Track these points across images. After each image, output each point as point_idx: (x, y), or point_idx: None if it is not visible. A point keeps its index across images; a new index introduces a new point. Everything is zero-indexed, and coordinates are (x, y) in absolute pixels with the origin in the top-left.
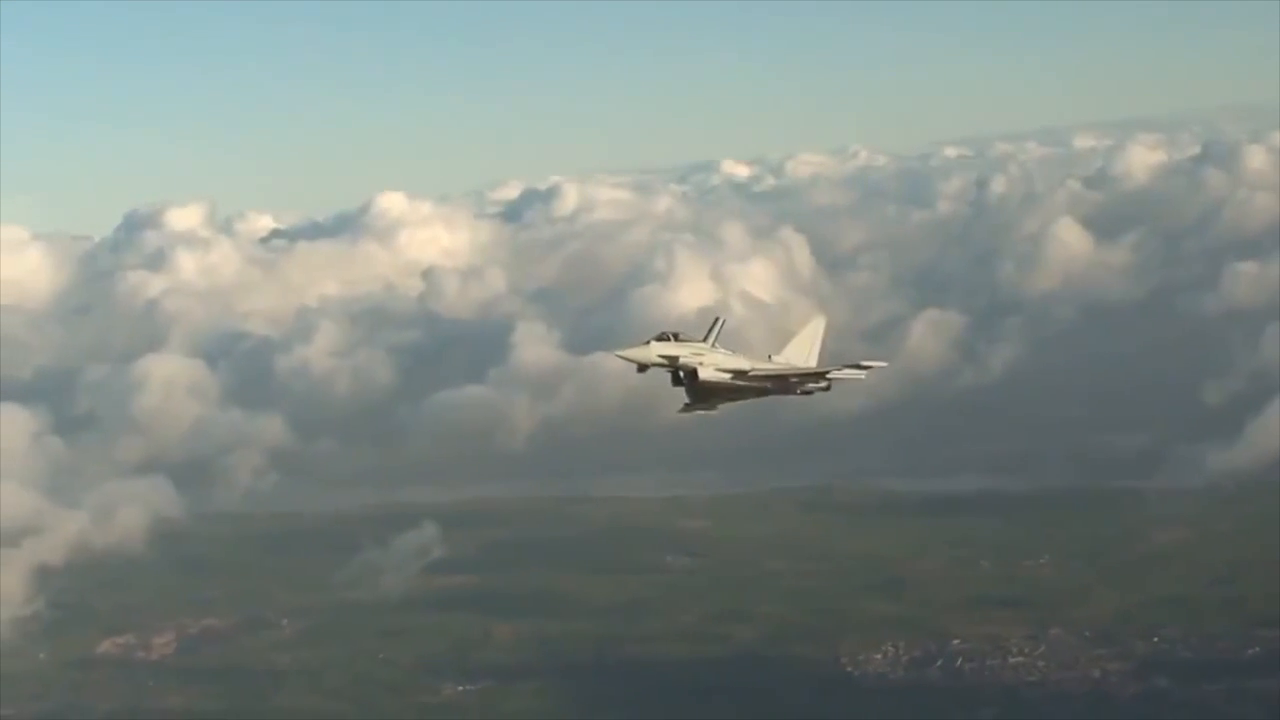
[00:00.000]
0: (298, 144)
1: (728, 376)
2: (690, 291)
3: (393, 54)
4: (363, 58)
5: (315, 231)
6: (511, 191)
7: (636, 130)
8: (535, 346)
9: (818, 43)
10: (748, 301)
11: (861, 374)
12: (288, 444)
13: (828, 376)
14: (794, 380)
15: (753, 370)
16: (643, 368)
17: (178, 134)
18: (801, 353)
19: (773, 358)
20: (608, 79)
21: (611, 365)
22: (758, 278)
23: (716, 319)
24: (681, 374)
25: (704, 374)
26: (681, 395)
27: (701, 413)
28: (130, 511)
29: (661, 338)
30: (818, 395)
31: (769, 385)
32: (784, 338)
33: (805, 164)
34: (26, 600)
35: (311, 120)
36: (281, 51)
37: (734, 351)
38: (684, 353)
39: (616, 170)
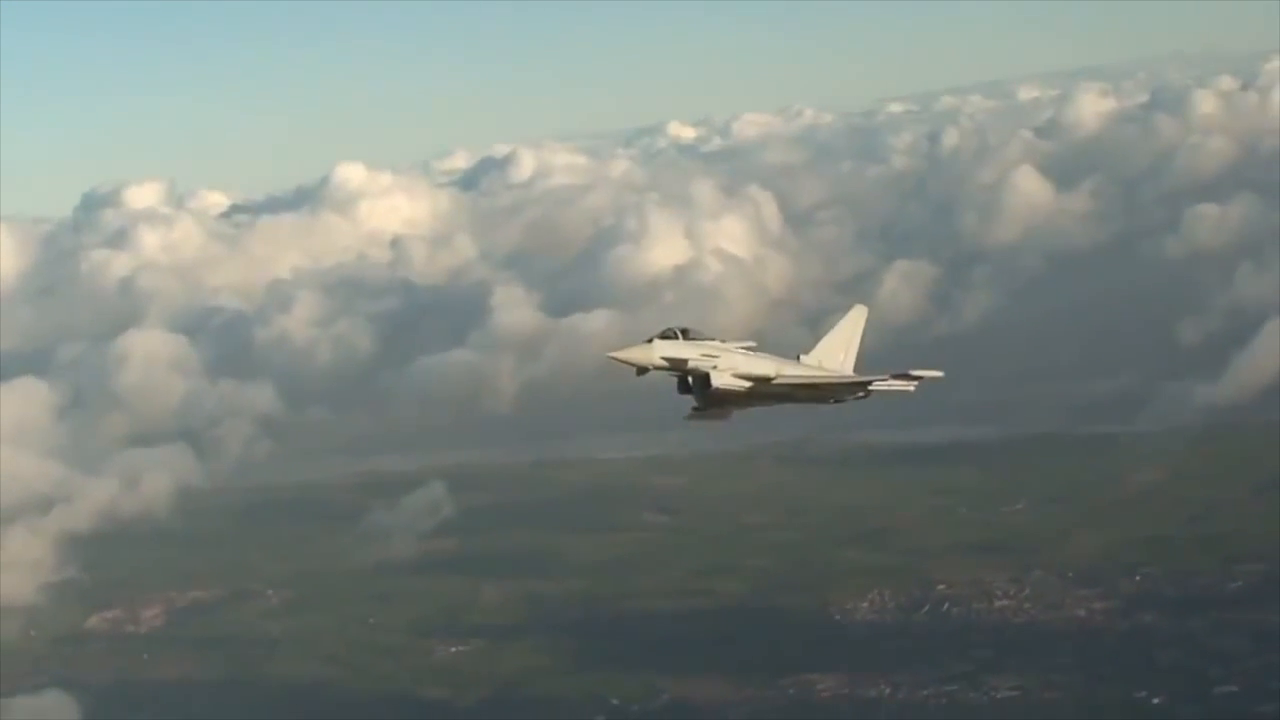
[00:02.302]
0: (236, 122)
1: (747, 384)
2: (664, 250)
3: (322, 28)
4: (289, 32)
5: (275, 205)
6: (458, 161)
7: (578, 96)
8: (514, 310)
9: (755, 2)
10: (723, 258)
11: (910, 386)
12: (273, 415)
13: (870, 387)
14: (828, 388)
15: (778, 377)
16: (642, 370)
17: (118, 116)
18: (837, 350)
19: (802, 358)
20: (546, 47)
21: (588, 327)
22: (730, 235)
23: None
24: (691, 379)
25: (718, 381)
26: (689, 401)
27: (712, 421)
28: (119, 487)
29: (667, 335)
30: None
31: (796, 393)
32: (760, 294)
33: (751, 124)
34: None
35: (250, 98)
36: (211, 32)
37: (752, 352)
38: (694, 354)
39: (562, 136)
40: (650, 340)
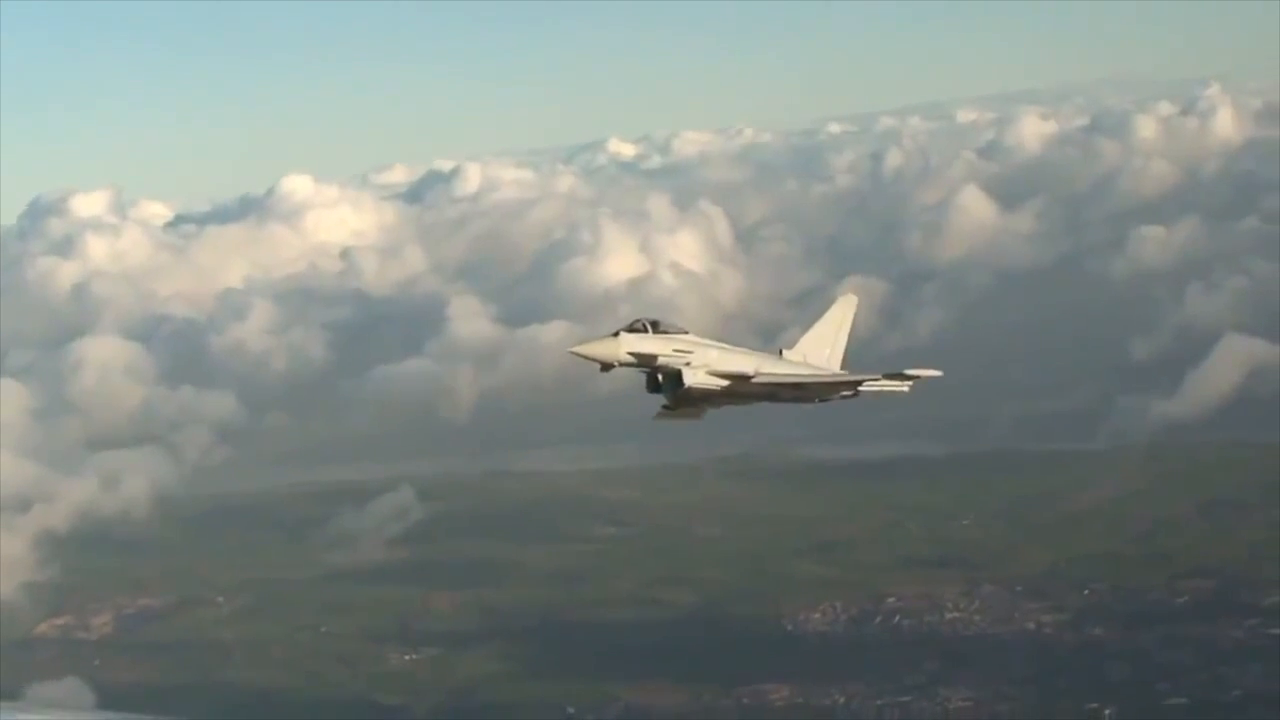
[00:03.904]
0: (169, 133)
1: (723, 383)
2: (617, 263)
3: (248, 42)
4: (225, 46)
5: (220, 216)
6: (397, 175)
7: (515, 112)
8: (470, 321)
9: (694, 21)
10: (677, 272)
11: (904, 386)
12: (228, 423)
13: (860, 388)
14: (813, 388)
15: (758, 374)
16: (607, 367)
17: (53, 124)
18: (822, 344)
19: (785, 353)
20: (483, 64)
21: (545, 338)
22: (683, 249)
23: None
24: (661, 377)
25: (691, 379)
26: (656, 401)
27: (684, 420)
28: (74, 493)
29: (635, 328)
30: None
31: (779, 393)
32: (714, 308)
33: (691, 142)
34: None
35: (184, 110)
36: (129, 42)
37: (729, 347)
38: (665, 349)
39: (498, 152)
40: (616, 333)
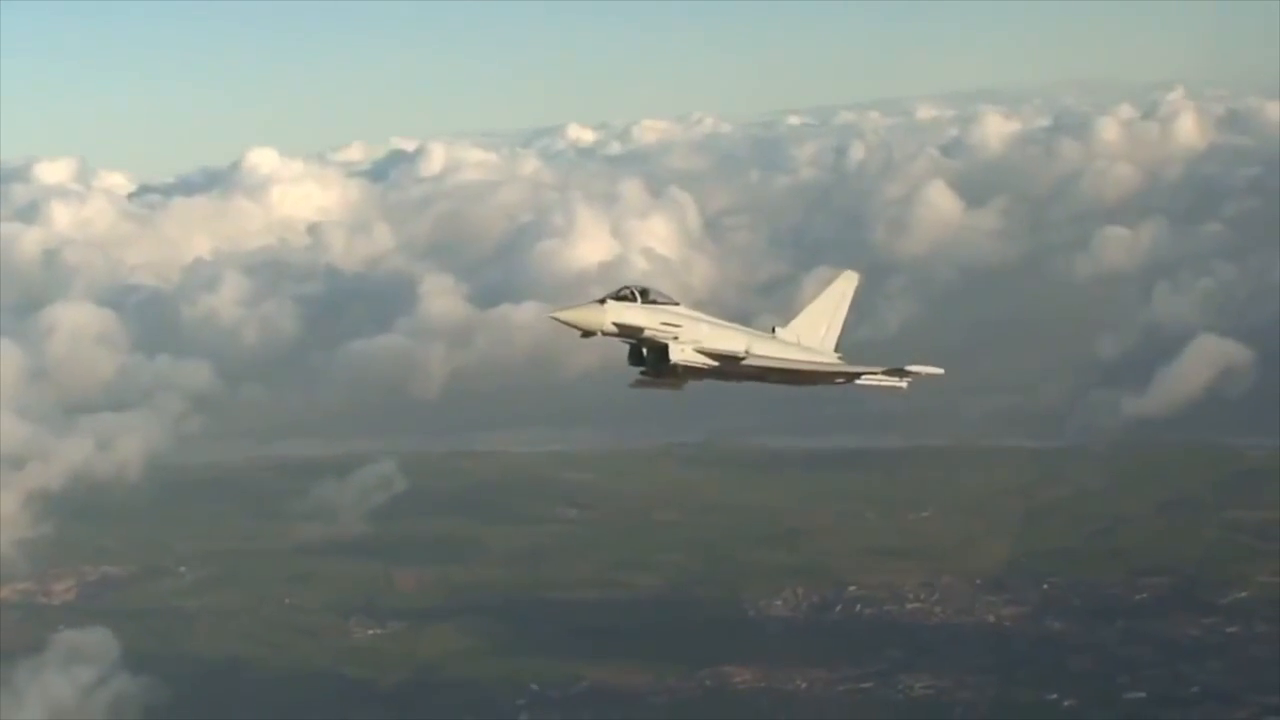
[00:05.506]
0: (122, 104)
1: (711, 363)
2: (588, 246)
3: (207, 20)
4: (177, 23)
5: (184, 188)
6: (355, 153)
7: (471, 94)
8: (442, 299)
9: (649, 9)
10: (650, 257)
11: (903, 383)
12: (197, 394)
13: (857, 381)
14: (806, 376)
15: (749, 355)
16: (589, 334)
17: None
18: (818, 324)
19: (778, 331)
20: (439, 45)
21: (517, 318)
22: (654, 235)
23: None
24: (645, 351)
25: (677, 356)
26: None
27: (662, 389)
28: (42, 459)
29: (622, 296)
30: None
31: (768, 375)
32: (684, 292)
33: (651, 130)
34: None
35: (137, 81)
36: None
37: (722, 322)
38: (653, 322)
39: (457, 134)
40: (603, 300)
